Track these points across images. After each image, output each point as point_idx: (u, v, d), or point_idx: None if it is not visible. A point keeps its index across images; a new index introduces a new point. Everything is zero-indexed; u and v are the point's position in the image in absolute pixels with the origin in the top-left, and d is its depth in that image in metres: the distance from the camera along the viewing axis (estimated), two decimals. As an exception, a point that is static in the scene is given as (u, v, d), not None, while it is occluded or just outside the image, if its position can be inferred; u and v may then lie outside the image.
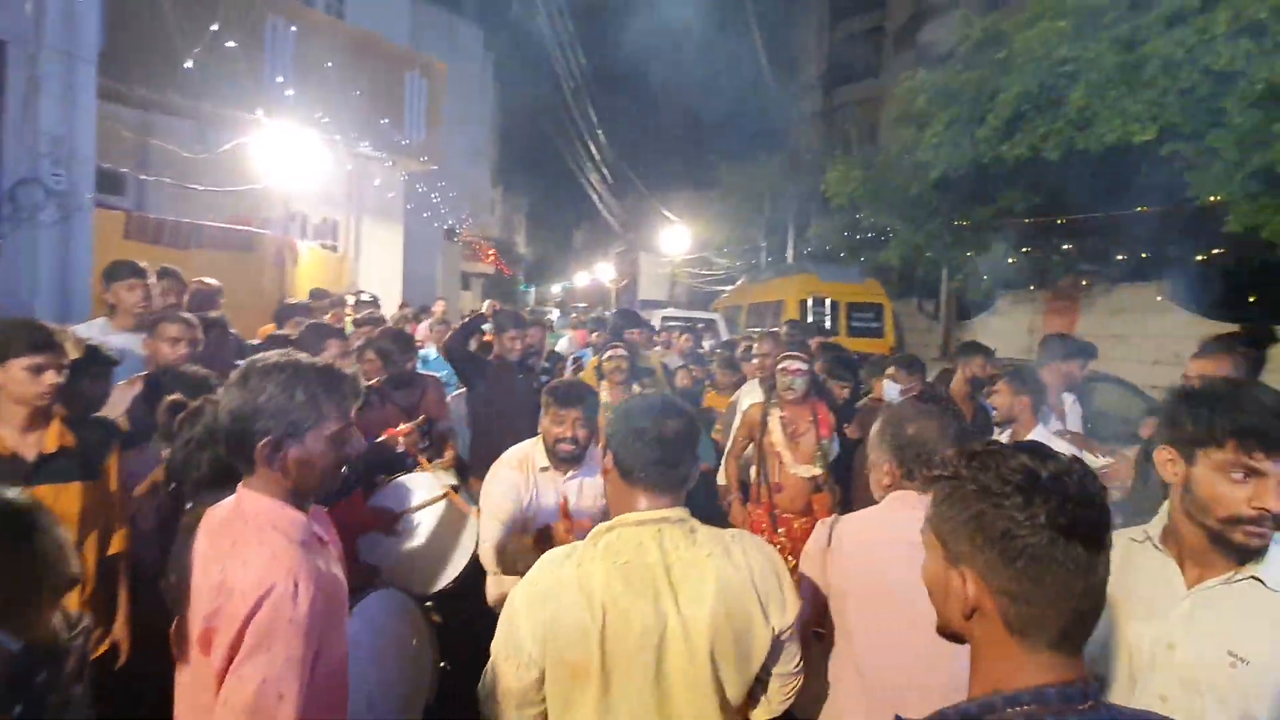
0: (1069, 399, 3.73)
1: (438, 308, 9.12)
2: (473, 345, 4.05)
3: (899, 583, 1.63)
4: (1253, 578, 1.31)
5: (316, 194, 9.31)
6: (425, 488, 2.87)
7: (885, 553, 1.67)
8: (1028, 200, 9.51)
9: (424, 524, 2.83)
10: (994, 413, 3.29)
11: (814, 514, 3.53)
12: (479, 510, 2.59)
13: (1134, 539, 1.48)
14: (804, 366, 3.50)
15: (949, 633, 0.99)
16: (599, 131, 21.78)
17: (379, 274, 10.85)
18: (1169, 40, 7.09)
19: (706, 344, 8.46)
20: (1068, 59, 7.77)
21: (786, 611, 1.40)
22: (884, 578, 1.65)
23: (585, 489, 2.47)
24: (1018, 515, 0.85)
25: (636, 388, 3.80)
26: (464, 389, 5.18)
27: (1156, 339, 9.60)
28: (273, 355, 1.29)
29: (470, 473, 4.00)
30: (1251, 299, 7.73)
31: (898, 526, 1.69)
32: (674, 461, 1.39)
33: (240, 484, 1.33)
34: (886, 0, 20.96)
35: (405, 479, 2.90)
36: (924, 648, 1.61)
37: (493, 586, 2.51)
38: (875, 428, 1.82)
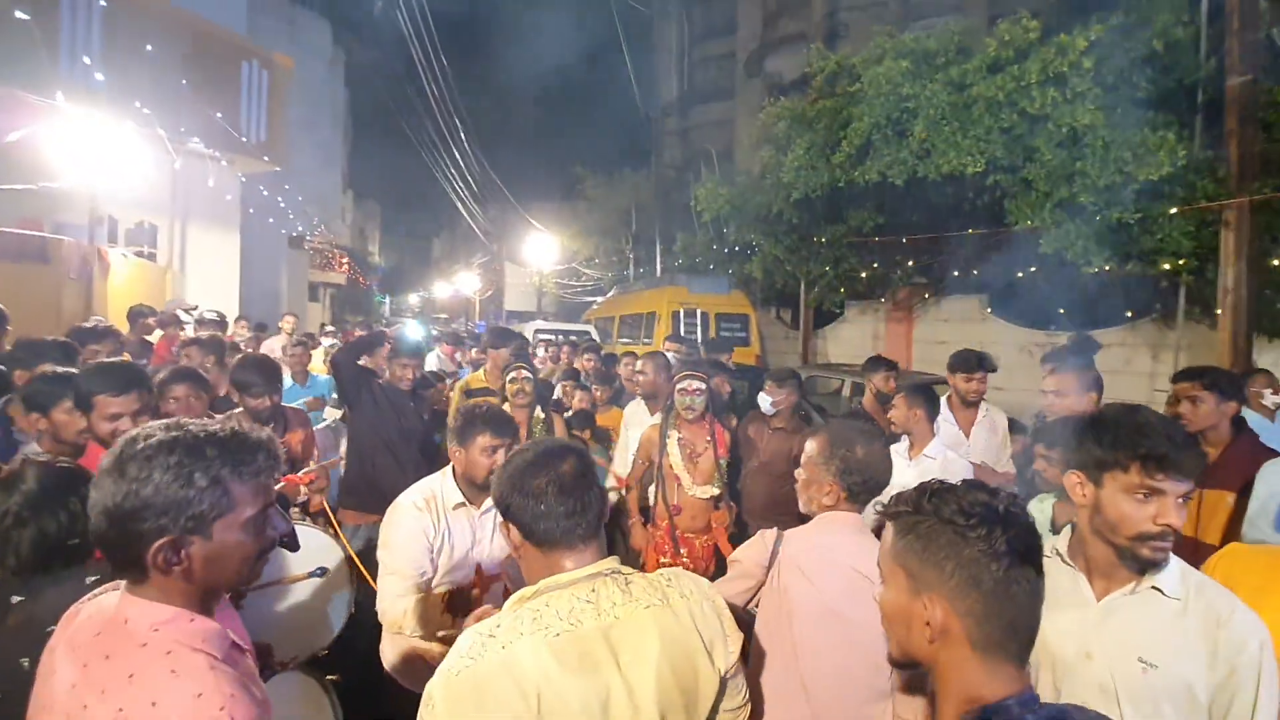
0: (981, 410, 3.72)
1: (286, 323, 8.05)
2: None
3: (841, 605, 1.67)
4: (1153, 587, 1.40)
5: (132, 194, 8.09)
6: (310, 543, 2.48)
7: (829, 574, 1.70)
8: (875, 220, 10.48)
9: (293, 589, 2.46)
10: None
11: (713, 531, 3.54)
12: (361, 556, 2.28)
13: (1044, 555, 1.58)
14: (703, 386, 3.49)
15: (905, 660, 1.04)
16: (462, 137, 21.04)
17: (211, 286, 9.66)
18: (991, 84, 8.06)
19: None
20: (910, 96, 8.61)
21: (730, 649, 1.34)
22: (828, 600, 1.68)
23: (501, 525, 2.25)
24: (983, 544, 0.95)
25: (539, 413, 3.58)
26: (325, 422, 4.72)
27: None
28: (155, 430, 0.99)
29: (342, 503, 3.60)
30: (1061, 311, 9.05)
31: (841, 550, 1.73)
32: (584, 506, 1.27)
33: (124, 590, 1.02)
34: (736, 29, 22.14)
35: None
36: (860, 667, 1.65)
37: (390, 647, 2.22)
38: (818, 446, 1.83)
